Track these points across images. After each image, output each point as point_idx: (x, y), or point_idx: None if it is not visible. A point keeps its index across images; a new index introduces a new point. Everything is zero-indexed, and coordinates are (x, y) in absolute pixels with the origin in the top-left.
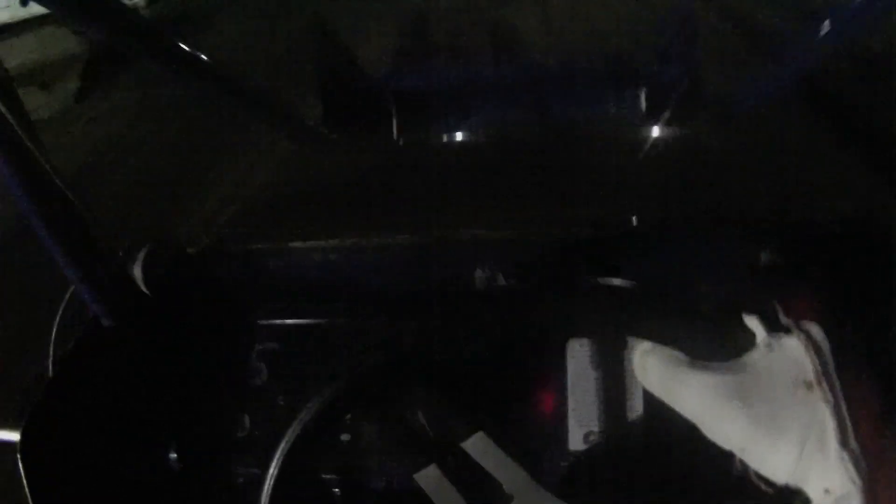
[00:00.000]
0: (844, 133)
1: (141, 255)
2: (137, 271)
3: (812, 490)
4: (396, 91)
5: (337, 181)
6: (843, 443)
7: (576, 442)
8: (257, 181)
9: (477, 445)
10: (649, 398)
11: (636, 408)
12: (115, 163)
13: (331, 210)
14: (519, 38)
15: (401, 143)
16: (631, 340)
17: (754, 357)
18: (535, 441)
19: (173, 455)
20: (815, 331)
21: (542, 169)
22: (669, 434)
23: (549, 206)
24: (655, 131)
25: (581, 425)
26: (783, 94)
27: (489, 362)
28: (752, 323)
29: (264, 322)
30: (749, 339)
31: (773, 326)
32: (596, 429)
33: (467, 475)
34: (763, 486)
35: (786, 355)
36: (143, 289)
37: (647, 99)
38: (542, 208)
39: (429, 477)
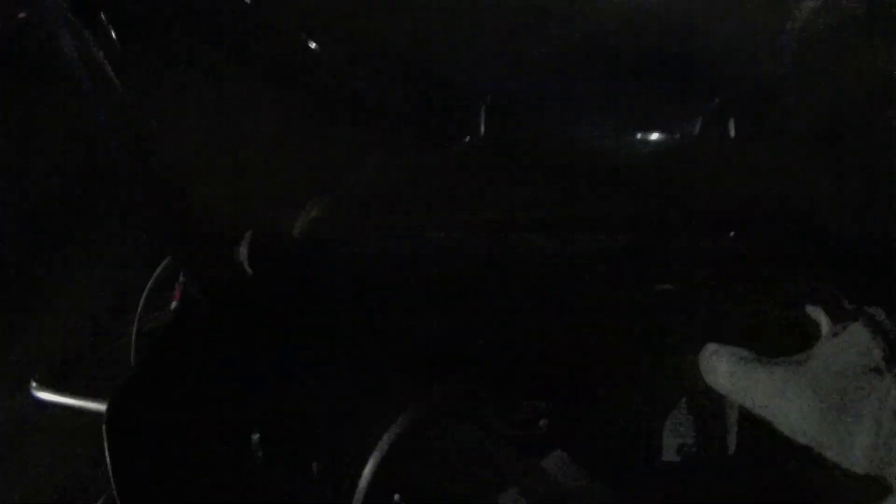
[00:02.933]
0: None
1: (247, 238)
2: (243, 253)
3: (893, 477)
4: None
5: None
6: None
7: (669, 454)
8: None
9: (556, 463)
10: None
11: (730, 420)
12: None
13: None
14: None
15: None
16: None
17: (821, 348)
18: (623, 452)
19: (256, 440)
20: (879, 314)
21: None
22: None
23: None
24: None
25: (675, 436)
26: None
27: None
28: (816, 313)
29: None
30: (815, 331)
31: (837, 314)
32: (691, 441)
33: (548, 497)
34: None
35: (852, 342)
36: (247, 269)
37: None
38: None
39: (511, 498)
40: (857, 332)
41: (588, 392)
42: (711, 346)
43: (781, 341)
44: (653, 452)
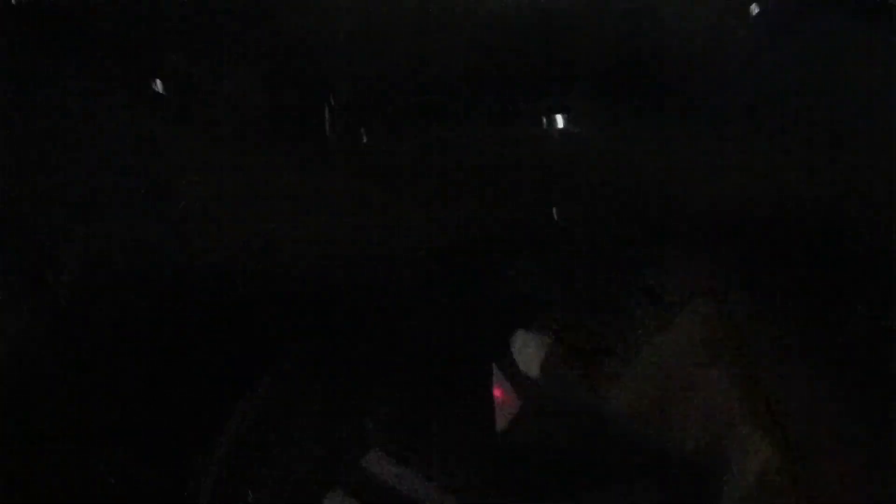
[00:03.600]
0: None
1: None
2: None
3: (723, 450)
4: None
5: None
6: (754, 421)
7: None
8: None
9: (375, 463)
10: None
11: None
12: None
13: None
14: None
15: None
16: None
17: (643, 340)
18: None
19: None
20: (704, 305)
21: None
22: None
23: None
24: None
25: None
26: None
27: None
28: (639, 295)
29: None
30: (638, 321)
31: (661, 304)
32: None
33: (373, 495)
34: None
35: (677, 335)
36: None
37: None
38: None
39: (336, 499)
40: (681, 325)
41: (422, 391)
42: (520, 335)
43: (604, 330)
44: (489, 444)
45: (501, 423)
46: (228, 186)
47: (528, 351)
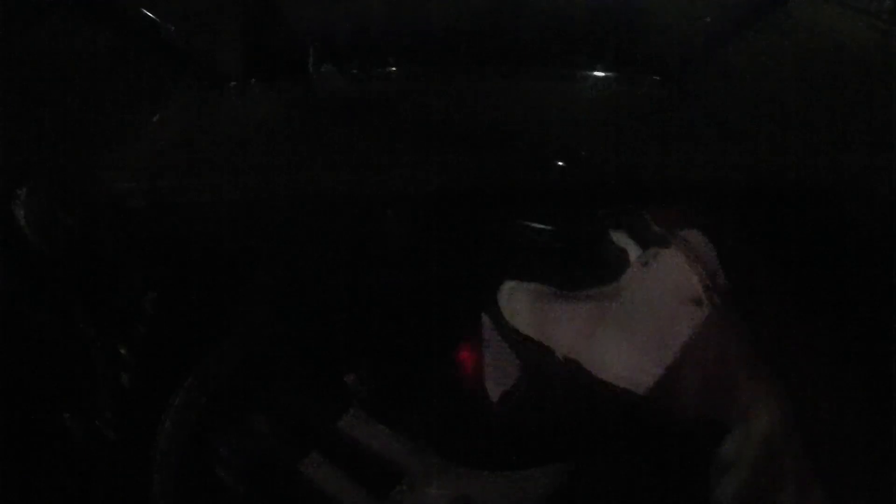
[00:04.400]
0: None
1: (22, 195)
2: (20, 215)
3: (725, 418)
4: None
5: (254, 130)
6: (751, 363)
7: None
8: (169, 132)
9: (353, 422)
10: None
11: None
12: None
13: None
14: None
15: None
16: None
17: (629, 277)
18: (452, 404)
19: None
20: (696, 238)
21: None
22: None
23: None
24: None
25: (499, 384)
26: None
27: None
28: (621, 239)
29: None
30: (623, 260)
31: (647, 240)
32: (516, 389)
33: (350, 455)
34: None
35: (666, 270)
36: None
37: None
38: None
39: (314, 464)
40: (671, 259)
41: (401, 346)
42: (508, 285)
43: (589, 273)
44: (470, 404)
45: (488, 383)
46: (210, 125)
47: (516, 300)
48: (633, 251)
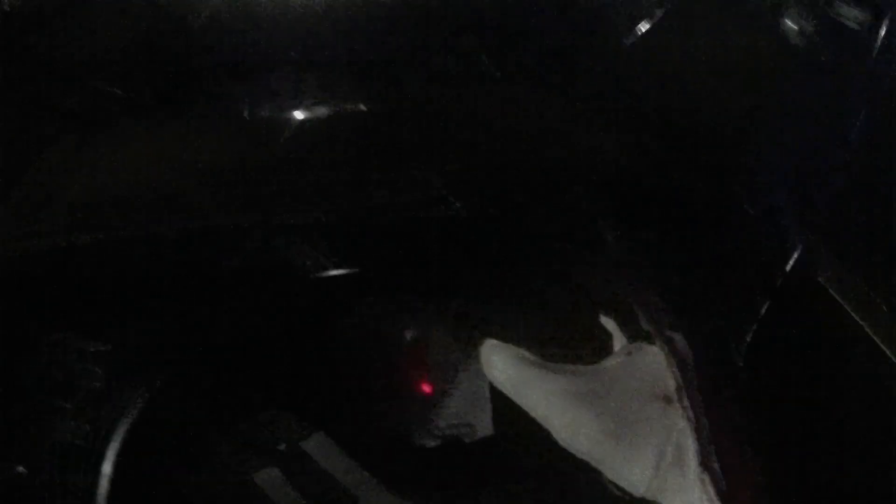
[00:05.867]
0: None
1: None
2: None
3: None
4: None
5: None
6: (704, 462)
7: (427, 436)
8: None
9: (316, 446)
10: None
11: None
12: None
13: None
14: None
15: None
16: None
17: (611, 364)
18: (387, 437)
19: None
20: (679, 341)
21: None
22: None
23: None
24: None
25: (439, 418)
26: None
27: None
28: (610, 325)
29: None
30: (607, 344)
31: (634, 331)
32: (453, 422)
33: (308, 477)
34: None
35: (645, 365)
36: None
37: None
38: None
39: (269, 479)
40: (652, 356)
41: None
42: (490, 342)
43: (576, 346)
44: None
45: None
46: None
47: (496, 359)
48: (619, 340)
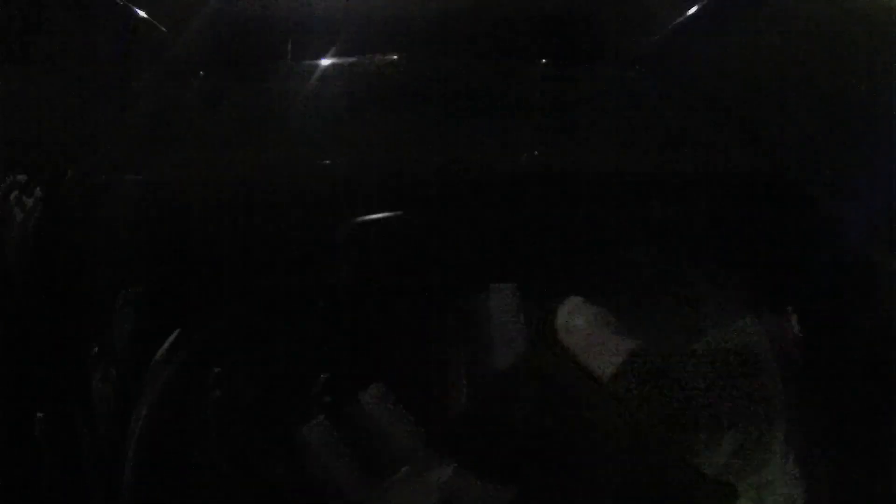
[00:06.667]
0: None
1: None
2: None
3: (747, 487)
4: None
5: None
6: (788, 438)
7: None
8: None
9: (374, 398)
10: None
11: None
12: None
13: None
14: None
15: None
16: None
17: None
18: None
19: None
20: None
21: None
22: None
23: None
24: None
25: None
26: None
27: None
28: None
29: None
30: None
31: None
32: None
33: (359, 430)
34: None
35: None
36: None
37: None
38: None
39: (316, 428)
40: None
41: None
42: (575, 300)
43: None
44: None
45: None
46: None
47: (577, 318)
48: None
